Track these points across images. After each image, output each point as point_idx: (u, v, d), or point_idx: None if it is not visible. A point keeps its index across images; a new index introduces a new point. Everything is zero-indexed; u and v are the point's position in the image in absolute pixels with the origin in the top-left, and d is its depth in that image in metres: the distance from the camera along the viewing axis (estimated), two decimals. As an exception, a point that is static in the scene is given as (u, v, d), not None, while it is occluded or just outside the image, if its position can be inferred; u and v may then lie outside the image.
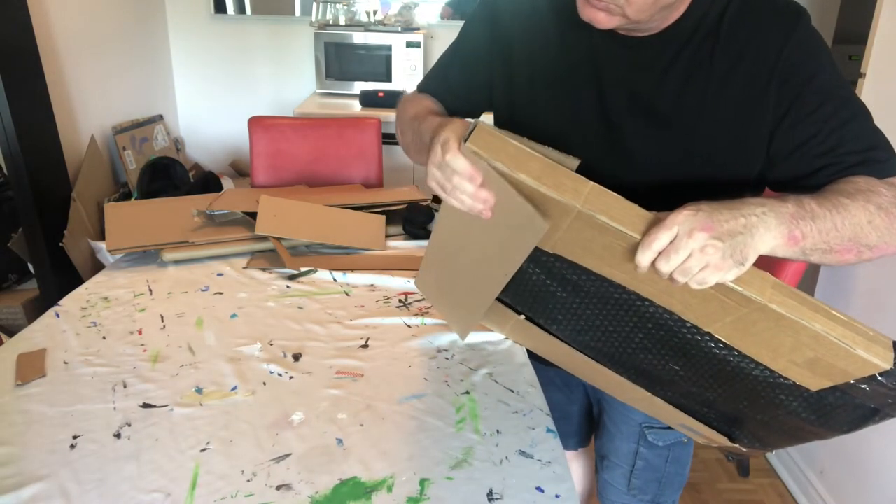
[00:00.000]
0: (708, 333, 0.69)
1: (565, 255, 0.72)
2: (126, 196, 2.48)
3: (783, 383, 0.69)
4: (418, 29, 2.87)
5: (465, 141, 0.65)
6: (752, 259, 0.63)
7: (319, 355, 1.13)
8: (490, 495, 0.83)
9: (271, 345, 1.16)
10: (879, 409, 0.66)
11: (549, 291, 0.79)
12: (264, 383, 1.05)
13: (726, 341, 0.68)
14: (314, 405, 1.00)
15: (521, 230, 0.69)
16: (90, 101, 2.41)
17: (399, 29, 2.81)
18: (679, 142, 0.85)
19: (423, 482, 0.85)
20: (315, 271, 1.44)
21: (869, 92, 1.55)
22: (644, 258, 0.63)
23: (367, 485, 0.84)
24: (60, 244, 2.06)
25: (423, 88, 1.06)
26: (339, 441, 0.92)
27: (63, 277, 2.07)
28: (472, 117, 1.03)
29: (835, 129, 0.78)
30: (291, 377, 1.07)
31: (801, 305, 0.61)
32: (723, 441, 0.87)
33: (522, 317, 0.90)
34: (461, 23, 1.02)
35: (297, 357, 1.13)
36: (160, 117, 2.91)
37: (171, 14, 3.00)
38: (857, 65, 1.58)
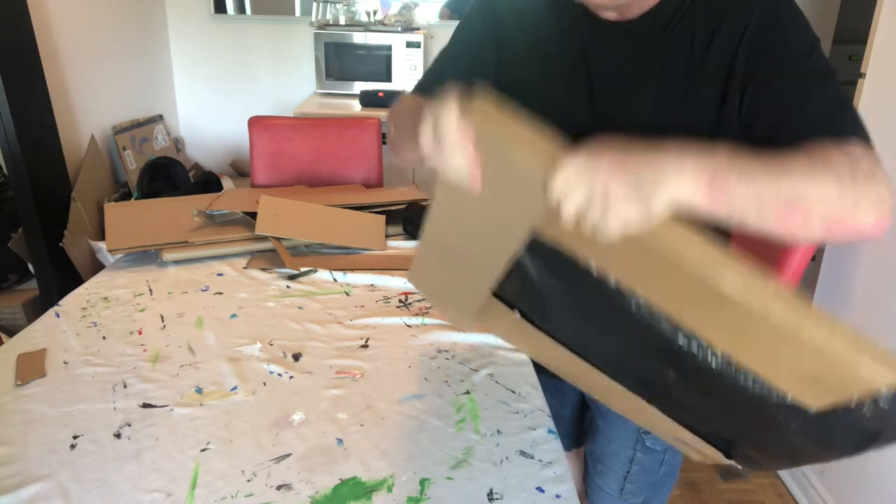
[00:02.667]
0: (706, 342, 0.66)
1: (561, 249, 0.70)
2: (126, 196, 2.48)
3: (782, 403, 0.66)
4: (418, 29, 2.87)
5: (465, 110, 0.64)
6: (660, 200, 0.58)
7: (319, 355, 1.13)
8: (490, 495, 0.83)
9: (271, 345, 1.16)
10: (882, 432, 0.64)
11: (545, 285, 0.78)
12: (264, 383, 1.05)
13: (724, 350, 0.66)
14: (314, 405, 1.00)
15: (521, 201, 0.67)
16: (90, 101, 2.41)
17: (399, 29, 2.81)
18: (665, 122, 0.85)
19: (423, 482, 0.85)
20: (315, 271, 1.44)
21: (869, 92, 1.55)
22: (555, 187, 0.59)
23: (368, 485, 0.84)
24: (60, 244, 2.06)
25: (418, 89, 1.06)
26: (340, 441, 0.92)
27: (63, 277, 2.07)
28: None
29: (796, 93, 0.74)
30: (291, 377, 1.07)
31: (804, 317, 0.58)
32: (719, 457, 0.85)
33: (518, 313, 0.88)
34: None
35: (297, 357, 1.13)
36: (160, 117, 2.91)
37: (171, 14, 3.00)
38: (857, 65, 1.58)
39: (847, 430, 0.65)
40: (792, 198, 0.62)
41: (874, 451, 0.67)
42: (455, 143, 0.64)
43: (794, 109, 0.75)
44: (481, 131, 0.64)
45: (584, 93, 0.90)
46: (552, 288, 0.77)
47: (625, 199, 0.58)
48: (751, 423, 0.72)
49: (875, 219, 0.65)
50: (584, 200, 0.59)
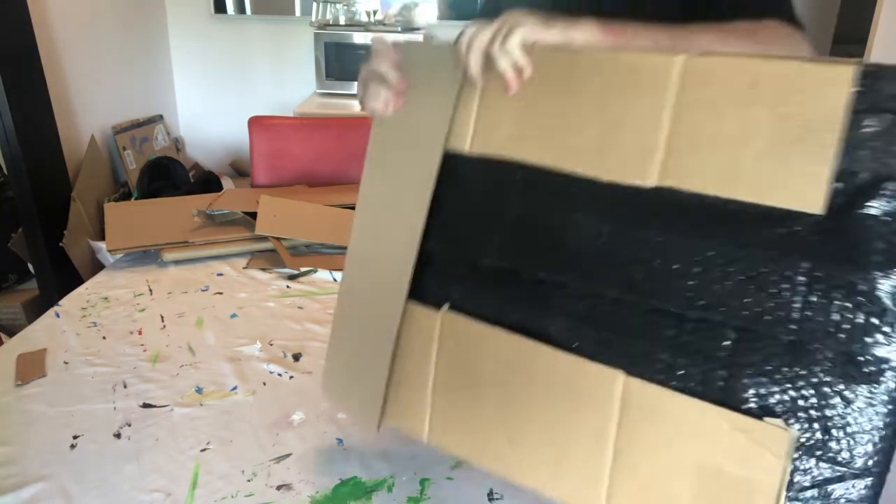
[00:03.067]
0: (661, 192, 0.59)
1: (487, 152, 0.70)
2: (126, 196, 2.48)
3: (776, 236, 0.54)
4: (418, 29, 2.87)
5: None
6: (561, 26, 0.63)
7: (320, 355, 1.13)
8: (490, 495, 0.83)
9: (271, 345, 1.16)
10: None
11: (471, 215, 0.72)
12: (264, 383, 1.05)
13: (674, 180, 0.58)
14: (314, 405, 0.99)
15: (438, 95, 0.71)
16: (90, 101, 2.41)
17: (399, 29, 2.81)
18: None
19: (423, 482, 0.85)
20: (315, 271, 1.44)
21: (869, 92, 1.55)
22: (463, 39, 0.66)
23: (368, 485, 0.84)
24: (60, 244, 2.06)
25: None
26: (340, 441, 0.92)
27: (63, 277, 2.07)
28: None
29: None
30: (291, 377, 1.07)
31: (724, 58, 0.56)
32: (754, 432, 0.56)
33: (447, 307, 0.74)
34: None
35: (297, 357, 1.13)
36: (160, 117, 2.91)
37: (171, 14, 3.00)
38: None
39: (870, 228, 0.51)
40: (689, 48, 0.62)
41: None
42: (382, 71, 0.72)
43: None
44: (407, 51, 0.73)
45: None
46: (479, 212, 0.72)
47: (528, 20, 0.63)
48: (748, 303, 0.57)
49: None
50: (490, 34, 0.64)
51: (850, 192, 0.51)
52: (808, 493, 0.53)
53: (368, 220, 0.81)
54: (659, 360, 0.61)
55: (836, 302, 0.52)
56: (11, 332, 1.92)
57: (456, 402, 0.73)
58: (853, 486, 0.52)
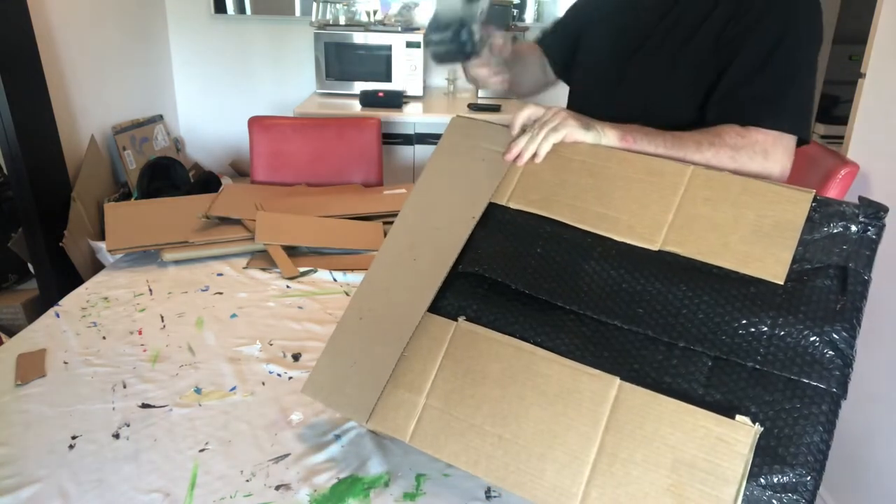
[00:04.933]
0: (670, 255, 0.78)
1: (522, 207, 0.88)
2: (126, 196, 2.48)
3: (750, 294, 0.72)
4: (418, 29, 2.87)
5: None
6: (594, 128, 0.88)
7: (319, 355, 1.13)
8: (488, 493, 0.83)
9: (271, 345, 1.16)
10: (845, 266, 0.72)
11: (509, 249, 0.87)
12: (263, 383, 1.05)
13: (674, 247, 0.78)
14: (313, 405, 1.00)
15: (488, 161, 0.93)
16: (90, 101, 2.41)
17: (399, 29, 2.81)
18: (661, 73, 1.00)
19: (419, 478, 0.85)
20: (315, 271, 1.44)
21: (869, 92, 1.55)
22: (519, 115, 0.92)
23: (365, 481, 0.84)
24: (60, 244, 2.06)
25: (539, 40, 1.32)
26: (338, 438, 0.92)
27: (63, 277, 2.07)
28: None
29: (739, 79, 0.92)
30: (291, 377, 1.07)
31: (723, 173, 0.80)
32: (721, 430, 0.68)
33: (463, 319, 0.82)
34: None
35: (296, 357, 1.13)
36: (160, 117, 2.91)
37: (171, 14, 3.00)
38: (857, 65, 1.58)
39: (818, 287, 0.72)
40: (679, 156, 0.87)
41: (850, 312, 0.71)
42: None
43: (730, 93, 0.93)
44: (467, 125, 0.98)
45: (612, 40, 1.10)
46: (510, 249, 0.86)
47: (566, 120, 0.88)
48: (733, 339, 0.73)
49: None
50: (540, 116, 0.90)
51: (802, 271, 0.73)
52: (763, 484, 0.66)
53: (404, 237, 0.93)
54: (648, 376, 0.73)
55: (791, 343, 0.71)
56: (11, 332, 1.92)
57: (451, 403, 0.79)
58: (797, 480, 0.66)
